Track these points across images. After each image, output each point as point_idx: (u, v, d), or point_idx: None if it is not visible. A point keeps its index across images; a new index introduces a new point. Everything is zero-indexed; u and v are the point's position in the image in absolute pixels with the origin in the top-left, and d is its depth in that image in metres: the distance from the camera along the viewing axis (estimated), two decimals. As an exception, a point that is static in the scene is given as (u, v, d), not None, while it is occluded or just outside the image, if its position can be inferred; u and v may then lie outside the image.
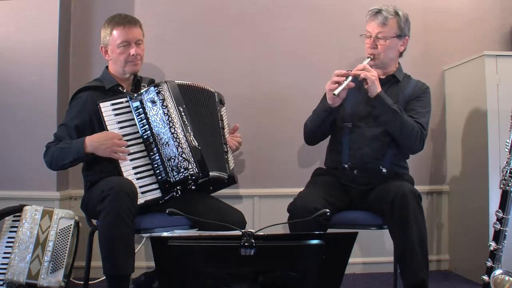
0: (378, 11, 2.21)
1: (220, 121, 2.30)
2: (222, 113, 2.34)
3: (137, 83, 2.32)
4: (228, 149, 2.30)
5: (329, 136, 2.37)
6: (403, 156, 2.28)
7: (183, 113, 2.11)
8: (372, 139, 2.20)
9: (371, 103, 2.17)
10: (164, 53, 2.83)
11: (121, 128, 2.09)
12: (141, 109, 2.11)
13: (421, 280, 1.91)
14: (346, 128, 2.25)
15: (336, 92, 2.07)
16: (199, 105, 2.21)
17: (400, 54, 2.30)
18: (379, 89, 2.12)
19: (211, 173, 2.11)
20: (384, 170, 2.19)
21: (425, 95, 2.26)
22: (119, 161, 2.05)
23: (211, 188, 2.30)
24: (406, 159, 2.31)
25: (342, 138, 2.26)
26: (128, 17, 2.24)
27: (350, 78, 2.10)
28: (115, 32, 2.17)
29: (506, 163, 1.83)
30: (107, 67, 2.29)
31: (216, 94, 2.32)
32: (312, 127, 2.31)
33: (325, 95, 2.28)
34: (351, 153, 2.22)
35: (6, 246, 2.30)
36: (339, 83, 2.10)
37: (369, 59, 2.20)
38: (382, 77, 2.28)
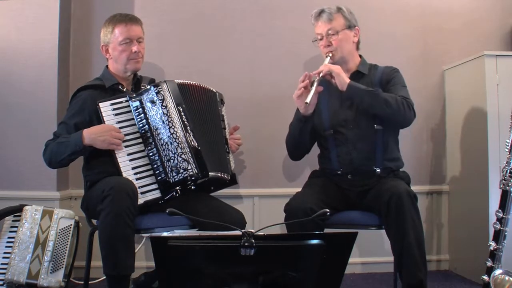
0: (321, 11, 2.25)
1: (221, 121, 2.30)
2: (223, 112, 2.34)
3: (137, 82, 2.32)
4: (229, 149, 2.31)
5: (316, 145, 2.36)
6: (394, 147, 2.24)
7: (182, 113, 2.10)
8: (357, 141, 2.19)
9: (346, 95, 2.16)
10: (164, 53, 2.83)
11: (120, 128, 2.09)
12: (140, 109, 2.11)
13: (419, 281, 1.90)
14: (329, 136, 2.24)
15: (307, 100, 2.07)
16: (199, 104, 2.21)
17: (357, 47, 2.31)
18: (347, 79, 2.12)
19: (210, 174, 2.11)
20: (378, 170, 2.17)
21: (395, 74, 2.24)
22: (119, 161, 2.05)
23: (211, 188, 2.30)
24: (398, 148, 2.27)
25: (328, 146, 2.26)
26: (129, 15, 2.25)
27: (316, 82, 2.11)
28: (116, 30, 2.18)
29: (506, 163, 1.83)
30: (107, 66, 2.29)
31: (217, 93, 2.32)
32: (291, 141, 2.32)
33: (298, 108, 2.27)
34: (340, 160, 2.21)
35: (6, 246, 2.30)
36: (306, 88, 2.12)
37: (329, 57, 2.22)
38: (347, 75, 2.25)
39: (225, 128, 2.32)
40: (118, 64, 2.22)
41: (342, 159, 2.21)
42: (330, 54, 2.22)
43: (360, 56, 2.33)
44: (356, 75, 2.26)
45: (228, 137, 2.34)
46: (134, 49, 2.18)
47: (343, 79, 2.11)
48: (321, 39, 2.25)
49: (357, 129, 2.19)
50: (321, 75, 2.13)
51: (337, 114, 2.24)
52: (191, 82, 2.23)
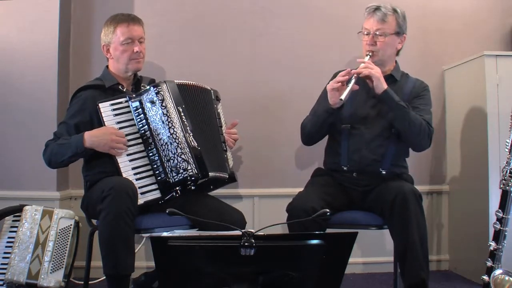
0: (377, 8, 2.21)
1: (217, 119, 2.30)
2: (219, 110, 2.34)
3: (137, 82, 2.32)
4: (227, 147, 2.30)
5: (327, 137, 2.36)
6: (403, 156, 2.27)
7: (182, 113, 2.10)
8: (371, 141, 2.19)
9: (379, 99, 2.16)
10: (164, 53, 2.83)
11: (120, 128, 2.09)
12: (140, 109, 2.11)
13: (421, 280, 1.91)
14: (344, 130, 2.23)
15: (343, 97, 2.06)
16: (197, 104, 2.21)
17: (397, 53, 2.30)
18: (385, 85, 2.11)
19: (210, 174, 2.11)
20: (383, 172, 2.18)
21: (426, 93, 2.26)
22: (118, 161, 2.05)
23: (211, 187, 2.30)
24: (406, 158, 2.30)
25: (340, 140, 2.25)
26: (131, 15, 2.25)
27: (353, 80, 2.10)
28: (118, 30, 2.18)
29: (506, 163, 1.83)
30: (107, 66, 2.29)
31: (212, 91, 2.32)
32: (311, 128, 2.29)
33: (321, 96, 2.26)
34: (349, 156, 2.21)
35: (6, 246, 2.30)
36: (343, 84, 2.10)
37: (369, 56, 2.20)
38: None
39: (221, 126, 2.31)
40: (119, 64, 2.22)
41: (352, 156, 2.20)
42: (371, 54, 2.20)
43: (396, 61, 2.33)
44: (388, 79, 2.25)
45: (224, 134, 2.33)
46: (136, 49, 2.18)
47: (381, 84, 2.11)
48: (367, 34, 2.22)
49: (374, 128, 2.19)
50: (360, 75, 2.11)
51: (359, 110, 2.23)
52: (190, 82, 2.23)
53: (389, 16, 2.19)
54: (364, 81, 2.16)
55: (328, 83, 2.18)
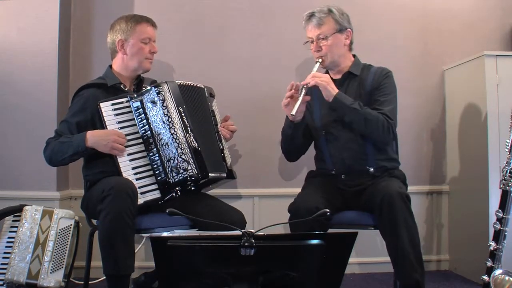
0: (311, 14, 2.22)
1: (213, 118, 2.29)
2: (213, 107, 2.33)
3: (139, 82, 2.32)
4: (224, 145, 2.30)
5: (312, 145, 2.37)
6: (387, 149, 2.23)
7: (183, 114, 2.11)
8: (348, 141, 2.19)
9: (331, 107, 2.16)
10: (164, 53, 2.82)
11: (121, 128, 2.09)
12: (141, 109, 2.11)
13: (415, 282, 1.89)
14: (321, 136, 2.25)
15: (293, 112, 2.07)
16: (196, 104, 2.22)
17: (350, 48, 2.29)
18: (334, 92, 2.11)
19: (210, 174, 2.11)
20: (371, 170, 2.17)
21: (387, 80, 2.21)
22: (119, 161, 2.05)
23: (210, 186, 2.31)
24: (395, 150, 2.28)
25: (321, 146, 2.27)
26: (149, 18, 2.29)
27: (303, 91, 2.10)
28: (139, 27, 2.21)
29: (506, 163, 1.83)
30: (110, 66, 2.29)
31: (205, 88, 2.31)
32: (285, 145, 2.33)
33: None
34: (333, 160, 2.22)
35: (6, 246, 2.30)
36: (293, 98, 2.12)
37: (318, 63, 2.20)
38: (338, 76, 2.27)
39: (217, 125, 2.31)
40: (133, 61, 2.22)
41: (335, 159, 2.21)
42: (320, 60, 2.21)
43: (354, 56, 2.32)
44: (347, 76, 2.26)
45: (220, 130, 2.32)
46: (154, 49, 2.24)
47: (329, 92, 2.10)
48: (312, 42, 2.24)
49: (347, 129, 2.19)
50: (308, 85, 2.11)
51: (328, 115, 2.24)
52: (188, 82, 2.23)
53: (324, 19, 2.19)
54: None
55: None
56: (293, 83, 2.14)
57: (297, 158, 2.40)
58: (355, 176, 2.19)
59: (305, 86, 2.10)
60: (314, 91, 2.18)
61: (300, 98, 2.08)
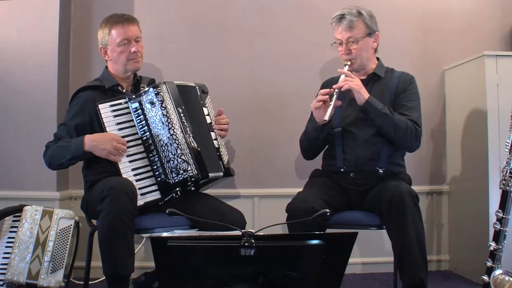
0: (342, 16, 2.21)
1: (207, 116, 2.27)
2: (207, 105, 2.31)
3: (136, 83, 2.32)
4: (220, 142, 2.29)
5: None
6: (399, 154, 2.26)
7: (182, 114, 2.10)
8: (365, 141, 2.19)
9: (362, 110, 2.16)
10: (163, 53, 2.83)
11: (120, 129, 2.09)
12: (140, 110, 2.11)
13: (420, 280, 1.90)
14: (337, 133, 2.25)
15: (326, 117, 2.08)
16: (194, 104, 2.21)
17: (375, 50, 2.30)
18: (366, 95, 2.12)
19: (210, 174, 2.11)
20: (380, 171, 2.18)
21: (412, 86, 2.25)
22: (118, 162, 2.05)
23: (209, 185, 2.31)
24: (403, 156, 2.30)
25: (335, 143, 2.26)
26: (125, 15, 2.23)
27: (335, 96, 2.11)
28: (114, 31, 2.17)
29: (506, 163, 1.83)
30: (106, 67, 2.29)
31: (196, 87, 2.29)
32: (306, 145, 2.34)
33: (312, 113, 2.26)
34: (345, 157, 2.22)
35: (6, 246, 2.30)
36: (325, 102, 2.12)
37: (347, 65, 2.20)
38: (363, 77, 2.27)
39: (212, 123, 2.29)
40: (118, 65, 2.22)
41: (347, 157, 2.21)
42: (349, 62, 2.21)
43: (378, 58, 2.33)
44: (372, 78, 2.27)
45: (215, 127, 2.29)
46: (133, 50, 2.17)
47: (362, 96, 2.12)
48: (340, 44, 2.23)
49: (366, 129, 2.20)
50: (342, 89, 2.11)
51: (348, 113, 2.25)
52: (184, 82, 2.22)
53: (355, 22, 2.19)
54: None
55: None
56: (329, 90, 2.13)
57: (314, 157, 2.40)
58: (364, 176, 2.19)
59: (336, 90, 2.11)
60: (341, 102, 2.17)
61: (332, 103, 2.10)
